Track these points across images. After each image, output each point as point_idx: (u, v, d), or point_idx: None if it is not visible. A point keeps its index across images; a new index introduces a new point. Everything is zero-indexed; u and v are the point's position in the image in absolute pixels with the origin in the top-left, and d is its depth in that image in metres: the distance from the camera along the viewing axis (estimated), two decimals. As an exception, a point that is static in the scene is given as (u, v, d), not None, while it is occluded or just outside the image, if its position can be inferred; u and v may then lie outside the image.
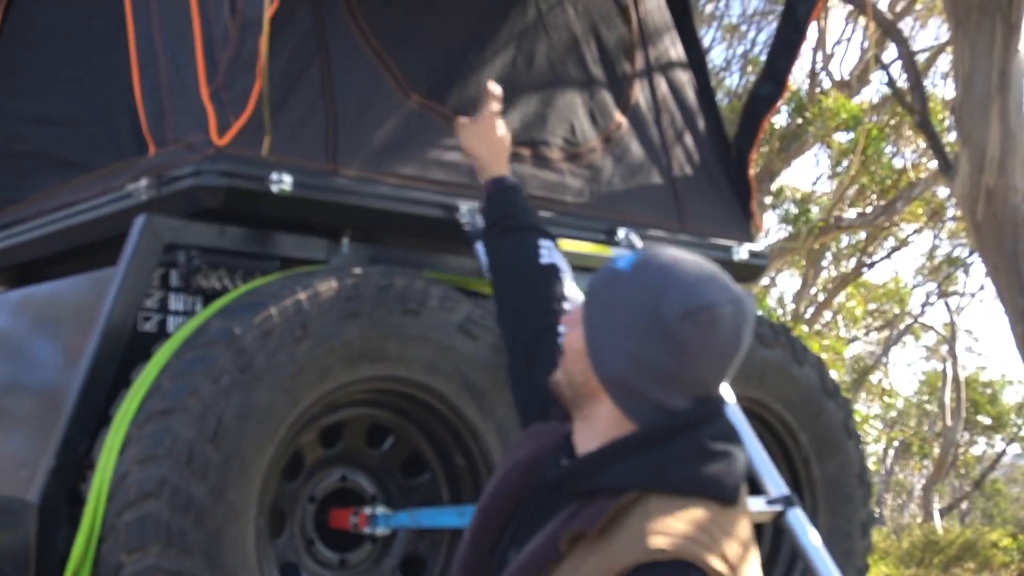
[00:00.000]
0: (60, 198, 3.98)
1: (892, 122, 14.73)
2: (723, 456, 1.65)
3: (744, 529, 1.64)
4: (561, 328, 1.98)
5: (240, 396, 3.05)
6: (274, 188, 3.36)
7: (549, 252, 2.52)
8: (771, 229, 17.63)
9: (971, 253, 20.55)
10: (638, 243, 4.04)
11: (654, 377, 1.66)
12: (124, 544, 2.94)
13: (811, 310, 20.17)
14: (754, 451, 3.52)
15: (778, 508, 3.40)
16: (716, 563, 1.52)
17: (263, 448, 3.10)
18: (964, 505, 30.12)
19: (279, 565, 3.33)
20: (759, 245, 4.57)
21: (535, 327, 2.30)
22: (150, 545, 2.91)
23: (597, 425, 1.71)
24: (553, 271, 2.45)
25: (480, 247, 3.25)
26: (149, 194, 3.45)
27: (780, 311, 19.80)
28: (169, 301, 3.43)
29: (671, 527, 1.55)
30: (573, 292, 2.45)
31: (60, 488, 3.15)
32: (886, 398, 28.73)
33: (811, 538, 3.36)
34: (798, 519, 3.39)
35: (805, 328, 17.20)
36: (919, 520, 25.18)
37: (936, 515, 24.24)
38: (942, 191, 16.30)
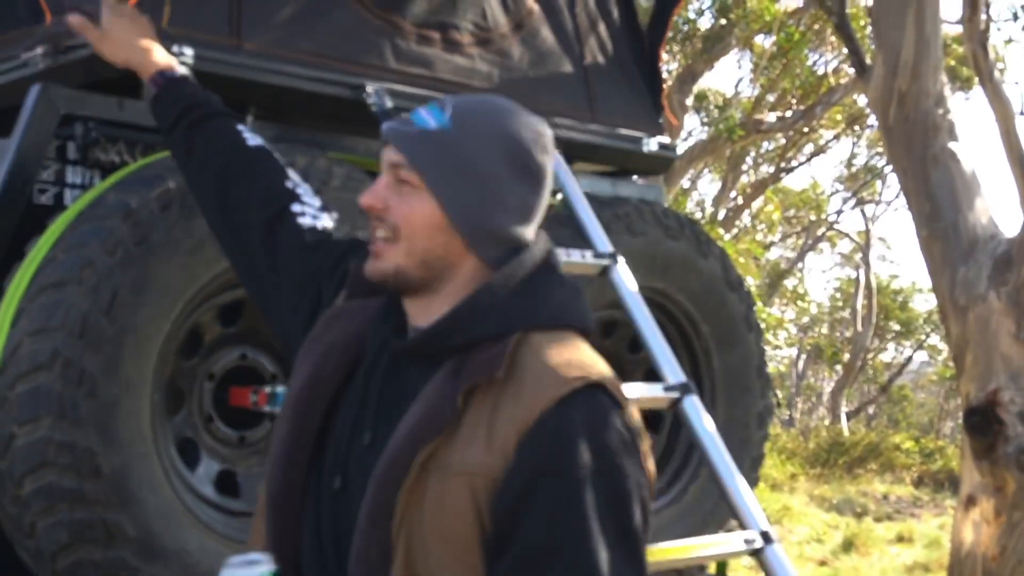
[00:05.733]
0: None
1: (815, 27, 14.77)
2: (576, 287, 1.73)
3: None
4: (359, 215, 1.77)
5: (136, 270, 3.01)
6: (175, 61, 3.28)
7: (252, 135, 2.28)
8: (692, 131, 17.70)
9: (888, 162, 20.80)
10: (547, 131, 4.02)
11: (518, 214, 1.69)
12: (16, 416, 2.91)
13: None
14: (653, 339, 3.58)
15: (675, 395, 3.46)
16: (611, 377, 1.61)
17: (159, 323, 3.08)
18: (871, 409, 30.91)
19: (176, 441, 3.33)
20: (669, 138, 4.59)
21: (267, 214, 2.08)
22: (42, 417, 2.89)
23: (454, 289, 1.68)
24: (264, 151, 2.23)
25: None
26: (45, 63, 3.36)
27: (700, 214, 19.95)
28: (66, 174, 3.36)
29: (572, 358, 1.60)
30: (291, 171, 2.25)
31: (-48, 361, 3.11)
32: (800, 303, 29.22)
33: (706, 425, 3.43)
34: (694, 407, 3.46)
35: (723, 232, 17.36)
36: (827, 422, 25.80)
37: (843, 418, 24.85)
38: (862, 99, 16.44)
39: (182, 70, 2.43)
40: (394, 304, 1.74)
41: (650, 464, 1.62)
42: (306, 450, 1.70)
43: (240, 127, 2.28)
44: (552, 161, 1.74)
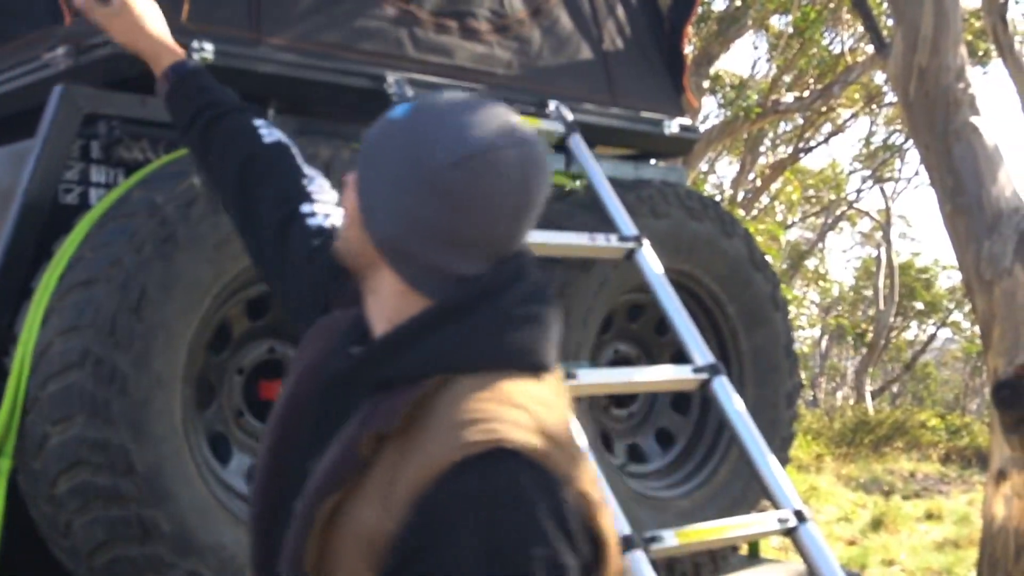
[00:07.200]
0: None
1: (831, 5, 14.69)
2: (530, 321, 1.47)
3: (561, 396, 1.47)
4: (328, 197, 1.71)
5: (163, 266, 3.02)
6: (195, 57, 3.29)
7: (269, 130, 2.12)
8: (709, 114, 17.64)
9: (907, 139, 20.70)
10: (568, 116, 4.02)
11: (432, 237, 1.46)
12: (48, 415, 2.92)
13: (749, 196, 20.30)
14: (680, 321, 3.57)
15: (704, 376, 3.46)
16: (534, 441, 1.34)
17: (188, 319, 3.08)
18: (895, 388, 30.81)
19: (207, 436, 3.34)
20: (690, 119, 4.57)
21: (280, 216, 1.95)
22: (75, 415, 2.90)
23: (383, 300, 1.52)
24: (281, 148, 2.06)
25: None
26: (67, 63, 3.37)
27: (719, 197, 19.90)
28: (90, 173, 3.36)
29: (481, 413, 1.35)
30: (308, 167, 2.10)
31: (-17, 362, 3.12)
32: (821, 283, 29.13)
33: (736, 406, 3.42)
34: (723, 387, 3.45)
35: (742, 213, 17.31)
36: (851, 402, 25.73)
37: (868, 397, 24.77)
38: (879, 76, 16.36)
39: (194, 62, 2.29)
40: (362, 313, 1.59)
41: (604, 524, 1.38)
42: (286, 476, 1.53)
43: (258, 123, 2.13)
44: (505, 185, 1.45)
